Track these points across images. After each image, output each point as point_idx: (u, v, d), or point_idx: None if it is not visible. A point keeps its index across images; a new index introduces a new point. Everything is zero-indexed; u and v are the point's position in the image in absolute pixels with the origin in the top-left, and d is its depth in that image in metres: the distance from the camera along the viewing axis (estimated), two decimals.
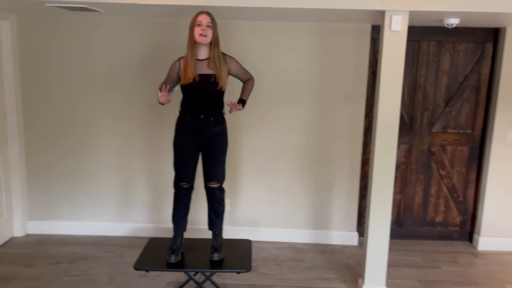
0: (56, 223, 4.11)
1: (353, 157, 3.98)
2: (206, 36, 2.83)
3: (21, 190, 4.01)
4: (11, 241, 3.99)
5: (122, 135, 3.97)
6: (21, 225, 4.07)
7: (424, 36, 3.85)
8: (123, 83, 3.89)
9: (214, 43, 2.88)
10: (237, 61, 3.04)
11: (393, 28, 2.90)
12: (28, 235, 4.11)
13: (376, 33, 3.81)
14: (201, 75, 2.88)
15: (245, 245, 3.19)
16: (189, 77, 2.85)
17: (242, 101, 3.09)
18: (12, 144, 3.90)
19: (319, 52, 3.81)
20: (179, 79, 2.95)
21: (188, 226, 3.19)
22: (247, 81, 3.13)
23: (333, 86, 3.86)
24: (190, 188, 3.09)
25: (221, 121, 3.04)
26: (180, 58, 2.98)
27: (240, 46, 3.77)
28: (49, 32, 3.81)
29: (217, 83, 2.90)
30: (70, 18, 3.76)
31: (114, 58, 3.85)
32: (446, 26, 3.25)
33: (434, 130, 4.03)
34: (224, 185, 3.11)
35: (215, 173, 3.07)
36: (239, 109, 3.04)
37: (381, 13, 2.97)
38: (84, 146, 3.99)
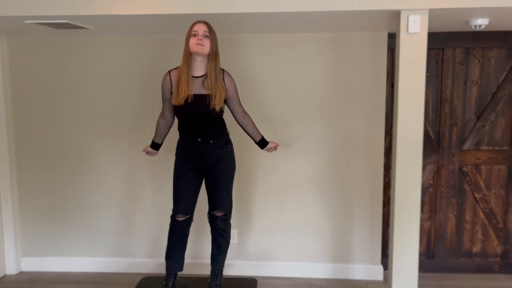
0: (52, 260, 3.81)
1: (374, 180, 3.55)
2: (203, 45, 2.51)
3: (13, 224, 3.73)
4: (4, 280, 3.69)
5: (121, 161, 3.66)
6: (14, 262, 3.78)
7: (448, 43, 3.45)
8: (121, 105, 3.61)
9: (212, 56, 2.56)
10: (234, 82, 2.71)
11: (410, 30, 2.53)
12: (21, 273, 3.81)
13: (394, 42, 3.43)
14: (195, 96, 2.55)
15: (250, 285, 2.78)
16: (181, 97, 2.52)
17: (263, 141, 2.85)
18: (2, 174, 3.65)
19: (332, 66, 3.46)
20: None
21: (191, 260, 2.82)
22: (246, 119, 2.79)
23: (349, 103, 3.49)
24: (188, 221, 2.73)
25: (224, 143, 2.70)
26: (170, 71, 2.66)
27: (245, 62, 3.45)
28: (41, 54, 3.59)
29: (212, 103, 2.57)
30: (62, 38, 3.54)
31: (111, 78, 3.59)
32: (473, 28, 2.85)
33: (465, 147, 3.57)
34: (232, 214, 2.75)
35: (219, 201, 2.71)
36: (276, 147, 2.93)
37: (396, 14, 2.60)
38: (80, 175, 3.71)
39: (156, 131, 2.89)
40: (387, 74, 3.47)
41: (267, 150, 2.92)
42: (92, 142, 3.66)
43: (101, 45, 3.54)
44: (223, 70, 2.67)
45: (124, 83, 3.59)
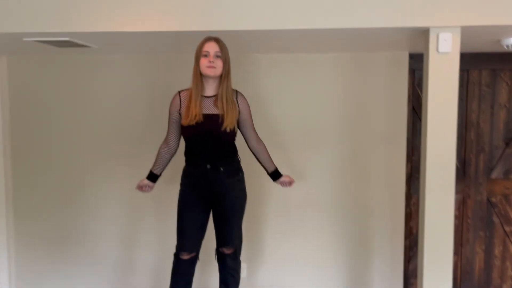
0: None
1: (395, 210, 3.29)
2: (215, 67, 2.30)
3: (7, 254, 3.48)
4: None
5: (123, 189, 3.42)
6: None
7: (473, 64, 3.23)
8: (125, 129, 3.40)
9: (224, 76, 2.35)
10: (248, 105, 2.49)
11: (441, 50, 2.31)
12: None
13: (415, 62, 3.24)
14: (206, 116, 2.34)
15: None
16: (192, 116, 2.31)
17: (276, 173, 2.59)
18: None
19: (350, 88, 3.24)
20: (181, 118, 2.42)
21: None
22: (260, 146, 2.57)
23: (367, 127, 3.26)
24: (193, 260, 2.47)
25: (235, 171, 2.46)
26: (180, 92, 2.45)
27: (256, 83, 3.25)
28: (41, 73, 3.40)
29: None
30: (64, 58, 3.36)
31: (115, 101, 3.38)
32: (505, 48, 2.64)
33: (493, 176, 3.32)
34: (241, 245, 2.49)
35: (229, 237, 2.46)
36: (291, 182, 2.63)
37: (424, 32, 2.39)
38: (79, 202, 3.47)
39: (156, 160, 2.60)
40: (408, 96, 3.26)
41: (280, 184, 2.66)
42: (93, 167, 3.43)
43: (105, 65, 3.35)
44: (236, 91, 2.46)
45: (128, 106, 3.38)
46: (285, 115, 3.28)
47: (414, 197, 3.35)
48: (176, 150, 2.54)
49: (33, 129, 3.45)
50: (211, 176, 2.38)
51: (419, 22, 2.29)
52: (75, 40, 2.59)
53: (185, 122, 2.35)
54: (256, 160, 2.65)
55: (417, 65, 3.23)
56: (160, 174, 2.64)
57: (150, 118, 3.34)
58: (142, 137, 3.37)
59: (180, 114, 2.41)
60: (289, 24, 2.34)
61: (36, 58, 3.38)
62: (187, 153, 2.48)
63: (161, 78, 3.31)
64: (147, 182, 2.60)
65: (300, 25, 2.33)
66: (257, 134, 2.55)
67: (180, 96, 2.44)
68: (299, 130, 3.29)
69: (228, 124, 2.33)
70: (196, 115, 2.31)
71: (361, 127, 3.26)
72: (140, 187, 2.63)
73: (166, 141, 2.54)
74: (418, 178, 3.31)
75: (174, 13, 2.38)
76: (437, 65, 2.34)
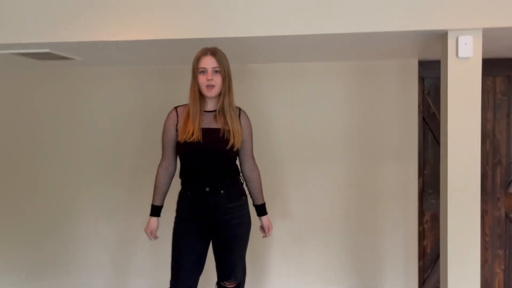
0: None
1: (407, 229, 3.06)
2: (213, 86, 2.06)
3: None
4: None
5: (114, 213, 3.17)
6: None
7: (487, 71, 3.00)
8: (117, 148, 3.15)
9: (225, 91, 2.12)
10: (251, 126, 2.25)
11: (461, 55, 2.10)
12: None
13: (425, 70, 3.04)
14: (205, 130, 2.09)
15: None
16: (189, 131, 2.06)
17: (261, 208, 2.31)
18: None
19: (356, 99, 3.03)
20: (178, 135, 2.16)
21: None
22: (254, 174, 2.30)
23: (375, 140, 3.04)
24: None
25: (238, 194, 2.19)
26: (177, 107, 2.20)
27: (256, 95, 3.03)
28: (28, 90, 3.18)
29: (227, 140, 2.09)
30: (52, 72, 3.13)
31: (107, 118, 3.15)
32: None
33: (511, 190, 3.09)
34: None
35: (231, 269, 2.18)
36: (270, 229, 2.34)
37: (441, 36, 2.18)
38: (65, 227, 3.21)
39: (155, 190, 2.26)
40: (418, 107, 3.04)
41: (260, 228, 2.38)
42: (81, 189, 3.19)
43: (95, 79, 3.13)
44: (239, 109, 2.22)
45: (122, 123, 3.14)
46: (288, 128, 3.06)
47: (427, 214, 3.12)
48: (174, 171, 2.26)
49: (16, 151, 3.22)
50: (210, 200, 2.12)
51: (436, 24, 2.07)
52: (56, 52, 2.34)
53: (181, 138, 2.09)
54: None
55: (427, 73, 3.03)
56: (163, 205, 2.29)
57: (144, 138, 3.10)
58: (136, 159, 3.12)
59: (177, 129, 2.15)
60: (297, 30, 2.12)
61: (20, 74, 3.17)
62: (183, 175, 2.22)
63: (157, 92, 3.09)
64: (156, 223, 2.27)
65: (309, 31, 2.11)
66: (254, 160, 2.29)
67: (177, 111, 2.19)
68: (303, 145, 3.06)
69: (236, 141, 2.09)
70: (194, 130, 2.06)
71: (369, 140, 3.04)
72: (151, 233, 2.28)
73: (163, 164, 2.24)
74: (431, 194, 3.09)
75: (165, 20, 2.16)
76: (457, 71, 2.12)
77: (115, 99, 3.12)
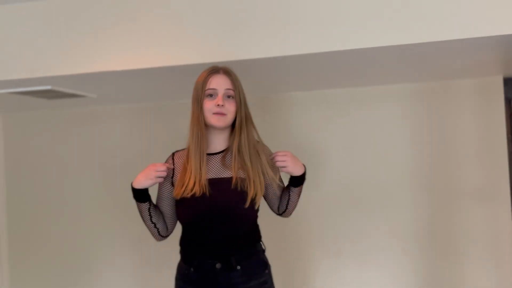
0: None
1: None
2: (225, 114, 1.56)
3: None
4: None
5: (127, 254, 2.90)
6: None
7: None
8: (128, 190, 2.80)
9: (241, 124, 1.57)
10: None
11: None
12: None
13: (511, 89, 2.50)
14: (213, 181, 1.56)
15: None
16: (189, 186, 1.52)
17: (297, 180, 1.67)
18: None
19: (424, 129, 2.60)
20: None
21: None
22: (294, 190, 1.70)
23: (453, 180, 2.56)
24: None
25: (261, 266, 1.58)
26: (174, 153, 1.68)
27: (293, 130, 2.65)
28: (38, 131, 3.12)
29: (245, 194, 1.54)
30: (61, 111, 3.03)
31: (120, 157, 2.95)
32: None
33: None
34: None
35: None
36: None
37: None
38: (78, 270, 3.02)
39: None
40: (507, 134, 2.56)
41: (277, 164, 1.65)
42: (94, 232, 3.02)
43: (105, 118, 3.00)
44: (263, 144, 1.67)
45: (136, 163, 2.81)
46: (338, 168, 2.65)
47: None
48: (171, 232, 1.74)
49: (29, 190, 3.15)
50: (221, 281, 1.55)
51: None
52: (59, 89, 2.01)
53: (177, 192, 1.53)
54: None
55: None
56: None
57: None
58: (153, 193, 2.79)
59: (173, 184, 1.63)
60: (347, 44, 1.69)
61: (33, 115, 3.12)
62: (183, 243, 1.66)
63: (171, 129, 2.80)
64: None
65: (363, 44, 1.67)
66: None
67: (173, 158, 1.66)
68: (357, 187, 2.63)
69: (258, 194, 1.53)
70: (195, 182, 1.52)
71: (444, 180, 2.57)
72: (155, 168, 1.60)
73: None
74: None
75: (178, 45, 1.78)
76: None
77: (128, 137, 2.97)
